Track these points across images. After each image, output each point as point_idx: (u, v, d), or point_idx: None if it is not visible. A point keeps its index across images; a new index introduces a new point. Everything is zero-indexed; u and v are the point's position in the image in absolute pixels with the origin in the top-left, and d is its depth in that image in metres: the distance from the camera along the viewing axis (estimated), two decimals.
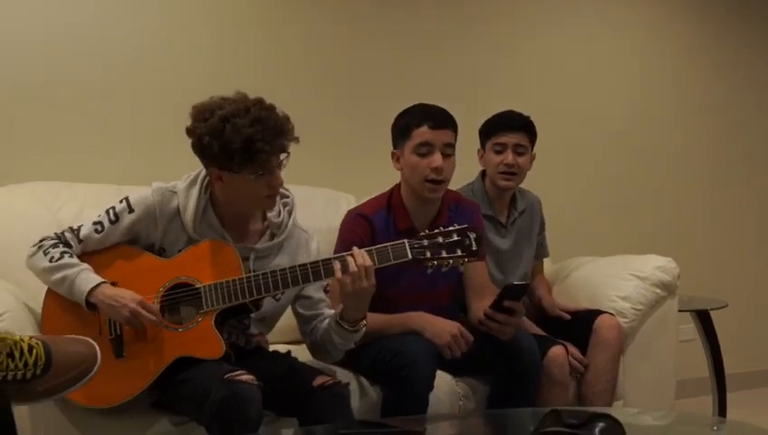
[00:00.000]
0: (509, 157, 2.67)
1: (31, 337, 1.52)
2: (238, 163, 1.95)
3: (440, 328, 2.26)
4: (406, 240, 2.03)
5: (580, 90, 3.76)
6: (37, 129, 2.73)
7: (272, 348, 2.30)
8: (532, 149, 2.75)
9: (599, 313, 2.62)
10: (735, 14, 4.13)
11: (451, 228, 2.05)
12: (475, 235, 2.04)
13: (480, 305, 2.41)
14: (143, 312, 1.93)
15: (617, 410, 2.56)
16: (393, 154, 2.46)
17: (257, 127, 1.92)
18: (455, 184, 2.73)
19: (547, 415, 1.63)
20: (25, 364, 1.48)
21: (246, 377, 1.86)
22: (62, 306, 2.01)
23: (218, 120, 1.93)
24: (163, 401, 2.01)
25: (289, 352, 2.23)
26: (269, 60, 3.12)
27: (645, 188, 3.91)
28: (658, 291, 2.73)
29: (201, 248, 2.05)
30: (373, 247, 2.02)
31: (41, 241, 2.03)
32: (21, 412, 1.95)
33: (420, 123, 2.38)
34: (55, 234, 2.05)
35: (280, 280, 1.99)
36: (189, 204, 2.06)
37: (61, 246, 2.02)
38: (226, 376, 1.84)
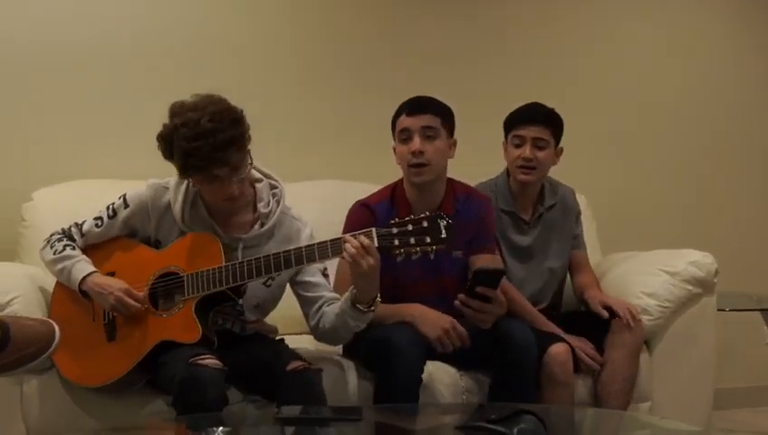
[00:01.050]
0: (527, 151, 2.61)
1: None
2: (182, 172, 2.08)
3: (433, 321, 2.26)
4: (374, 228, 2.04)
5: (637, 78, 3.61)
6: (89, 131, 2.95)
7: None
8: (556, 143, 2.66)
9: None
10: None
11: (422, 216, 2.02)
12: (445, 222, 2.01)
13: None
14: (127, 299, 2.08)
15: (640, 414, 2.44)
16: (393, 149, 2.50)
17: (198, 142, 1.99)
18: (479, 178, 2.75)
19: (475, 409, 1.60)
20: None
21: (209, 361, 1.96)
22: (67, 294, 2.20)
23: (171, 129, 2.04)
24: (154, 382, 2.15)
25: (281, 339, 2.32)
26: (316, 57, 3.22)
27: (709, 180, 3.68)
28: (690, 288, 2.56)
29: (187, 240, 2.17)
30: (340, 236, 2.06)
31: (50, 236, 2.24)
32: (31, 390, 2.17)
33: (400, 113, 2.47)
34: (62, 229, 2.24)
35: (254, 268, 2.07)
36: (177, 198, 2.19)
37: (65, 239, 2.21)
38: (190, 360, 1.95)
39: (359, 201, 2.51)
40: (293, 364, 2.08)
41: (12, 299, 2.14)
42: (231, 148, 2.04)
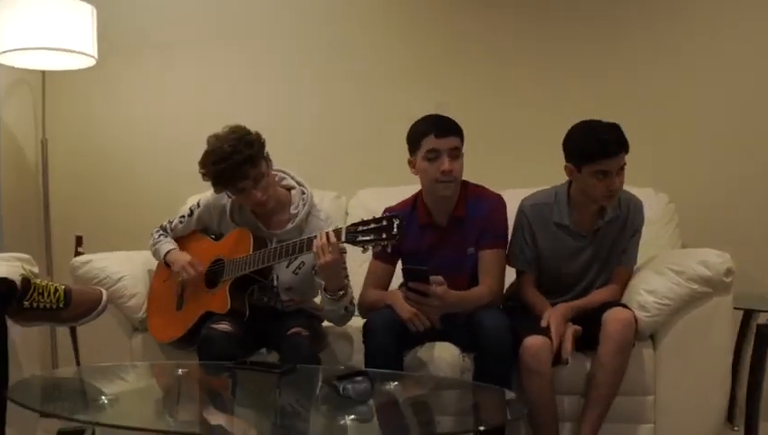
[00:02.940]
0: (615, 182, 2.62)
1: (60, 284, 2.46)
2: (215, 189, 2.72)
3: (406, 305, 2.58)
4: (344, 226, 2.47)
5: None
6: None
7: None
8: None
9: (615, 305, 2.60)
10: None
11: (382, 216, 2.41)
12: (398, 222, 2.37)
13: (480, 287, 2.68)
14: (188, 267, 2.77)
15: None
16: (409, 162, 2.79)
17: (222, 164, 2.60)
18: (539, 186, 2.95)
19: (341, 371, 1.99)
20: (50, 300, 2.42)
21: (221, 326, 2.57)
22: (161, 276, 2.96)
23: (203, 157, 2.67)
24: None
25: (312, 315, 2.83)
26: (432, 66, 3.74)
27: None
28: (696, 286, 2.54)
29: (233, 234, 2.81)
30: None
31: (153, 231, 2.99)
32: (136, 343, 2.96)
33: (427, 133, 2.70)
34: (161, 225, 2.99)
35: (267, 256, 2.63)
36: (228, 203, 2.83)
37: (161, 232, 2.97)
38: (209, 324, 2.58)
39: (386, 208, 2.89)
40: (291, 331, 2.60)
41: (122, 277, 2.94)
42: (246, 165, 2.62)
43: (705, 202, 3.46)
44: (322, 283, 2.62)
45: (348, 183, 3.60)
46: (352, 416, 1.75)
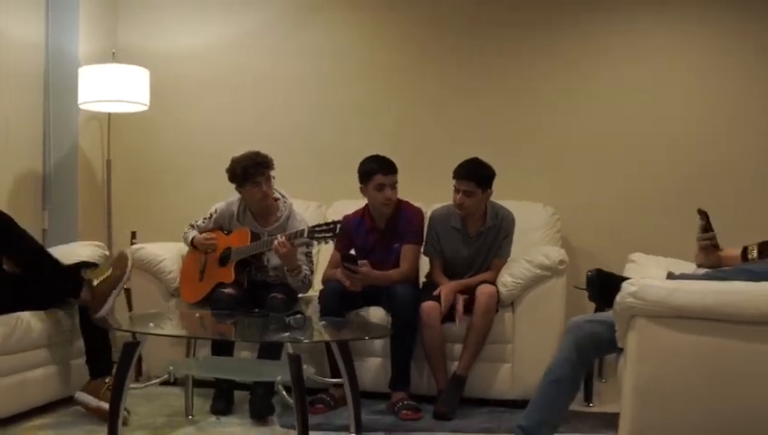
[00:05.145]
0: (457, 198, 3.91)
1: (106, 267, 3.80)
2: (241, 184, 4.05)
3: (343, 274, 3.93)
4: (307, 227, 3.80)
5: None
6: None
7: None
8: (482, 191, 3.88)
9: (484, 283, 3.88)
10: None
11: (331, 221, 3.73)
12: (339, 226, 3.69)
13: (396, 270, 3.99)
14: (205, 242, 4.15)
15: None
16: (361, 189, 4.09)
17: (248, 162, 3.97)
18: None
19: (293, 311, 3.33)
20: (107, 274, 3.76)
21: (226, 290, 3.92)
22: (189, 258, 4.31)
23: (236, 164, 4.02)
24: None
25: (290, 286, 4.15)
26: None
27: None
28: (539, 271, 3.82)
29: (238, 231, 4.16)
30: (287, 232, 3.87)
31: (186, 227, 4.35)
32: (172, 303, 4.33)
33: (377, 171, 3.99)
34: (190, 224, 4.34)
35: (257, 246, 3.98)
36: (236, 209, 4.18)
37: (191, 228, 4.33)
38: (218, 289, 3.94)
39: (345, 215, 4.21)
40: (272, 295, 3.94)
41: (163, 259, 4.29)
42: (263, 165, 3.99)
43: (585, 213, 4.79)
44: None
45: (327, 196, 4.93)
46: (288, 332, 3.11)
